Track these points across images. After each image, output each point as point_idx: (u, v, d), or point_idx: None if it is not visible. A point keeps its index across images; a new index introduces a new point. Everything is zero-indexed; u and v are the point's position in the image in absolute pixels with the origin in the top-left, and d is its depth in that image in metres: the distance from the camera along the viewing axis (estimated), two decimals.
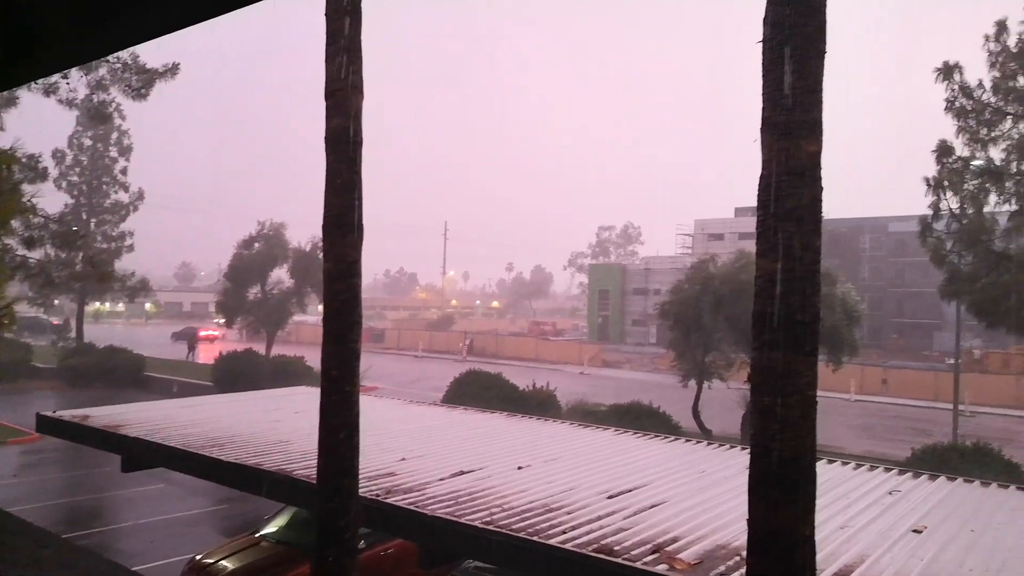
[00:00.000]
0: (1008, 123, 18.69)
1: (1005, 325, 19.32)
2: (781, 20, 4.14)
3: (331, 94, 6.45)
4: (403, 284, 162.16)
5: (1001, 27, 18.65)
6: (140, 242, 44.19)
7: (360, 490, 7.27)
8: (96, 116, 26.42)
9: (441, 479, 9.16)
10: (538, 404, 22.22)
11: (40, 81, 19.29)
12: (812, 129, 4.15)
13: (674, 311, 24.45)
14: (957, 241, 19.17)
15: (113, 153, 44.03)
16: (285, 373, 30.21)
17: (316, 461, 6.56)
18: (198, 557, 11.30)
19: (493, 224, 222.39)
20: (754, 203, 4.32)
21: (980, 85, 18.80)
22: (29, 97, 19.86)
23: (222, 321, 37.10)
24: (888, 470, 10.61)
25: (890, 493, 9.16)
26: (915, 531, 7.60)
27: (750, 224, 4.44)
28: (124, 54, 22.26)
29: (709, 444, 12.39)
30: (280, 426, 12.64)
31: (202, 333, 61.29)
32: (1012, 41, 18.65)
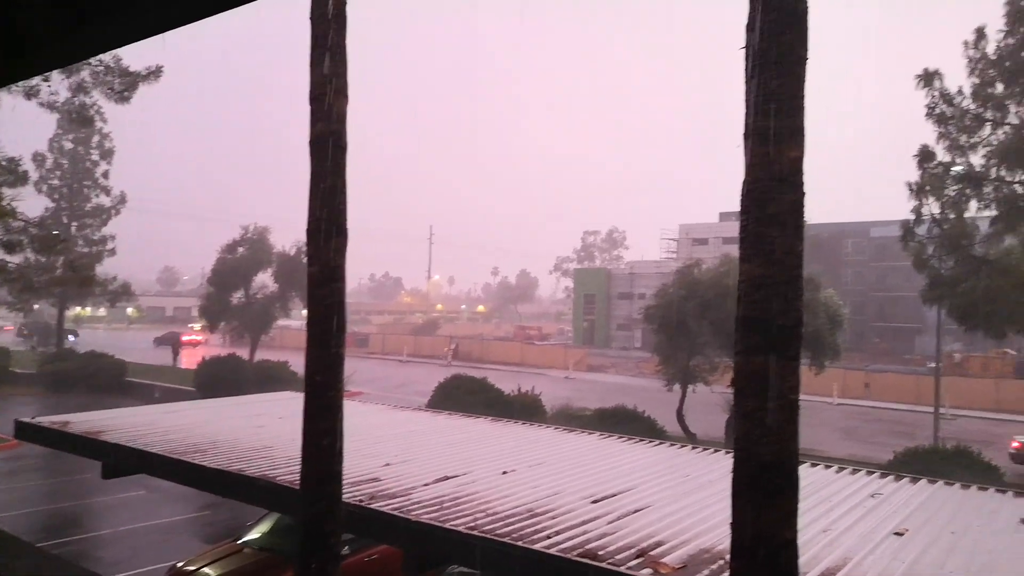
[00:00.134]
0: (987, 129, 18.95)
1: (984, 329, 19.58)
2: (763, 27, 4.18)
3: (315, 98, 6.43)
4: (388, 289, 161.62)
5: (980, 34, 18.93)
6: (122, 246, 43.83)
7: (344, 495, 7.23)
8: (78, 119, 26.19)
9: (426, 484, 9.13)
10: (523, 409, 22.21)
11: (20, 84, 19.09)
12: (794, 135, 4.18)
13: (659, 315, 24.56)
14: (938, 246, 19.40)
15: (95, 156, 43.63)
16: (269, 378, 30.00)
17: (300, 467, 6.52)
18: (179, 564, 11.18)
19: (479, 229, 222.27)
20: (739, 208, 4.36)
21: (960, 92, 19.05)
22: (10, 100, 19.64)
23: (196, 328, 36.94)
24: (870, 473, 10.69)
25: (872, 496, 9.23)
26: (897, 534, 7.66)
27: (734, 229, 4.44)
28: (106, 57, 22.11)
29: (693, 448, 12.43)
30: (264, 432, 12.55)
31: (184, 338, 60.73)
32: (991, 48, 18.93)
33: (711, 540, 7.12)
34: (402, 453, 11.03)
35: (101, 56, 22.54)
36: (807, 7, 4.20)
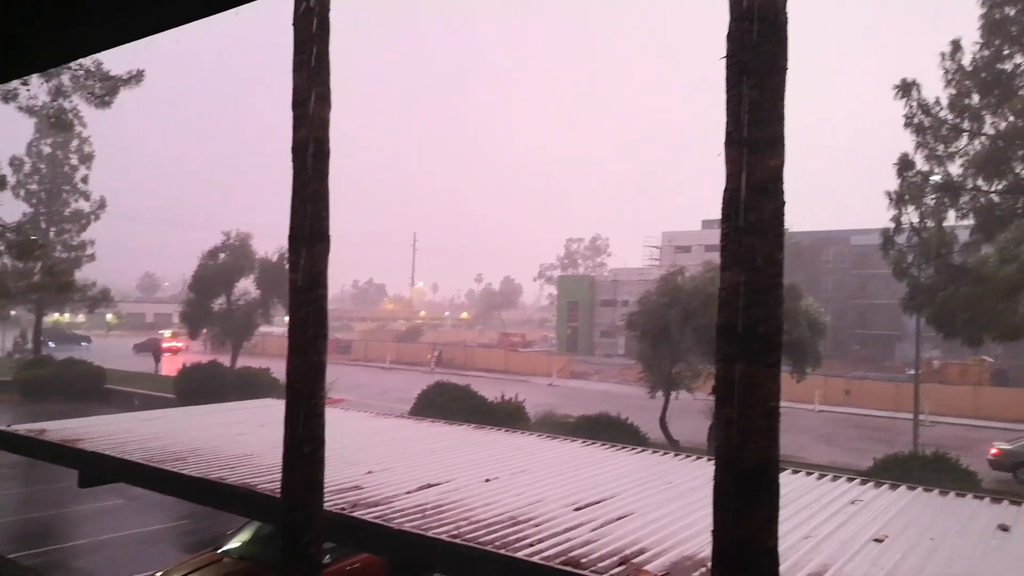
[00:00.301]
0: (964, 139, 19.22)
1: (963, 336, 19.82)
2: (743, 37, 4.22)
3: (298, 104, 6.40)
4: (371, 295, 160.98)
5: (955, 46, 19.22)
6: (102, 252, 43.34)
7: (326, 504, 7.18)
8: (57, 124, 25.92)
9: (408, 492, 9.08)
10: (507, 416, 22.19)
11: None
12: (774, 144, 4.22)
13: (641, 322, 24.65)
14: (918, 255, 19.63)
15: (74, 161, 43.17)
16: (250, 385, 29.77)
17: (281, 475, 6.46)
18: (158, 574, 11.05)
19: (462, 235, 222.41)
20: (720, 216, 4.39)
21: (937, 102, 19.32)
22: None
23: (167, 334, 36.48)
24: (851, 480, 10.76)
25: (852, 503, 9.29)
26: (876, 540, 7.72)
27: (717, 236, 4.47)
28: (87, 61, 21.91)
29: (676, 455, 12.47)
30: (245, 439, 12.44)
31: (165, 344, 60.12)
32: (966, 60, 19.22)
33: (694, 547, 7.13)
34: (384, 461, 10.97)
35: (82, 60, 22.35)
36: (787, 18, 4.24)
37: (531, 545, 7.11)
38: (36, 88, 22.49)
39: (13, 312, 41.44)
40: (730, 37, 4.29)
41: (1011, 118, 18.29)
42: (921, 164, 19.43)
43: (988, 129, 18.84)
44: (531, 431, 16.98)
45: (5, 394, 35.85)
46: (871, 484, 10.47)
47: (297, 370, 6.40)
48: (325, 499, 6.73)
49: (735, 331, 4.17)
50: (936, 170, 19.35)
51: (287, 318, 6.75)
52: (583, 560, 6.74)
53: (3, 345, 55.52)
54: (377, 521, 7.88)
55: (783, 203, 4.25)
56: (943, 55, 19.29)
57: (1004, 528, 8.33)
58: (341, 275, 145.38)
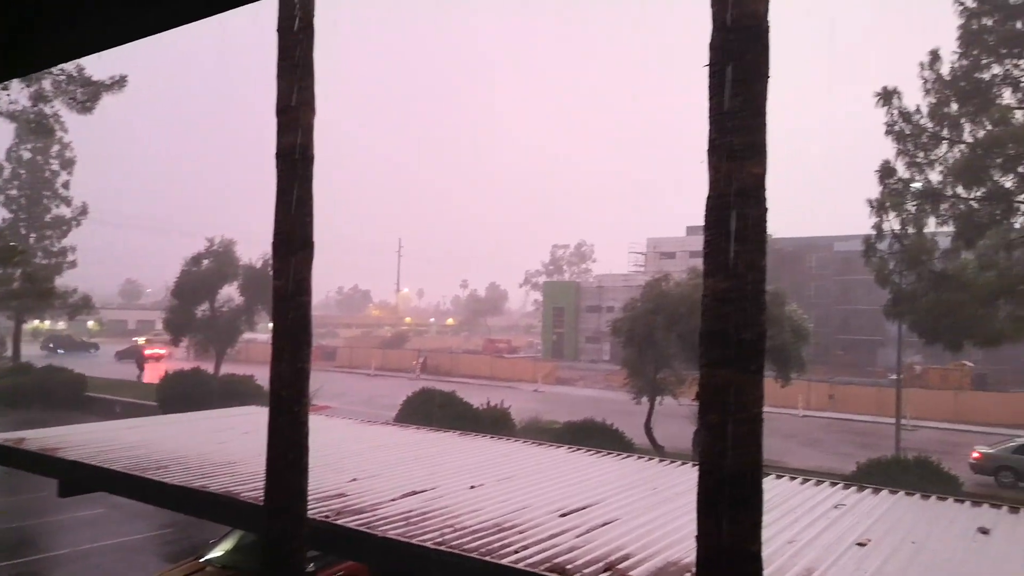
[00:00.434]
0: (944, 147, 19.46)
1: (944, 342, 20.03)
2: (726, 45, 4.26)
3: (283, 111, 6.39)
4: (356, 301, 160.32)
5: (934, 56, 19.49)
6: (83, 258, 42.94)
7: (309, 511, 7.14)
8: (38, 129, 25.71)
9: (392, 499, 9.05)
10: (492, 422, 22.14)
11: None
12: (756, 151, 4.26)
13: (627, 328, 24.72)
14: (900, 261, 19.84)
15: (55, 166, 42.77)
16: (234, 392, 29.52)
17: (264, 483, 6.42)
18: None
19: (448, 241, 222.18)
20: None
21: (918, 110, 19.56)
22: None
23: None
24: (834, 484, 10.84)
25: (836, 507, 9.35)
26: (859, 544, 7.77)
27: (701, 243, 4.52)
28: (68, 66, 21.76)
29: (661, 461, 12.50)
30: (228, 447, 12.35)
31: (147, 352, 59.54)
32: (945, 70, 19.49)
33: (678, 553, 7.15)
34: (369, 468, 10.92)
35: (63, 65, 22.18)
36: (768, 26, 4.29)
37: (516, 552, 7.10)
38: (16, 93, 22.30)
39: None
40: (713, 46, 4.33)
41: (989, 127, 18.53)
42: (902, 171, 19.66)
43: (967, 137, 19.09)
44: (516, 437, 16.97)
45: None
46: (854, 488, 10.55)
47: (281, 377, 6.38)
48: (309, 507, 6.69)
49: (718, 337, 4.20)
50: (917, 177, 19.58)
51: (271, 325, 6.72)
52: (568, 566, 6.74)
53: None
54: (361, 529, 7.84)
55: (765, 210, 4.29)
56: (922, 65, 19.55)
57: (984, 531, 8.42)
58: (326, 281, 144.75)
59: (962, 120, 19.22)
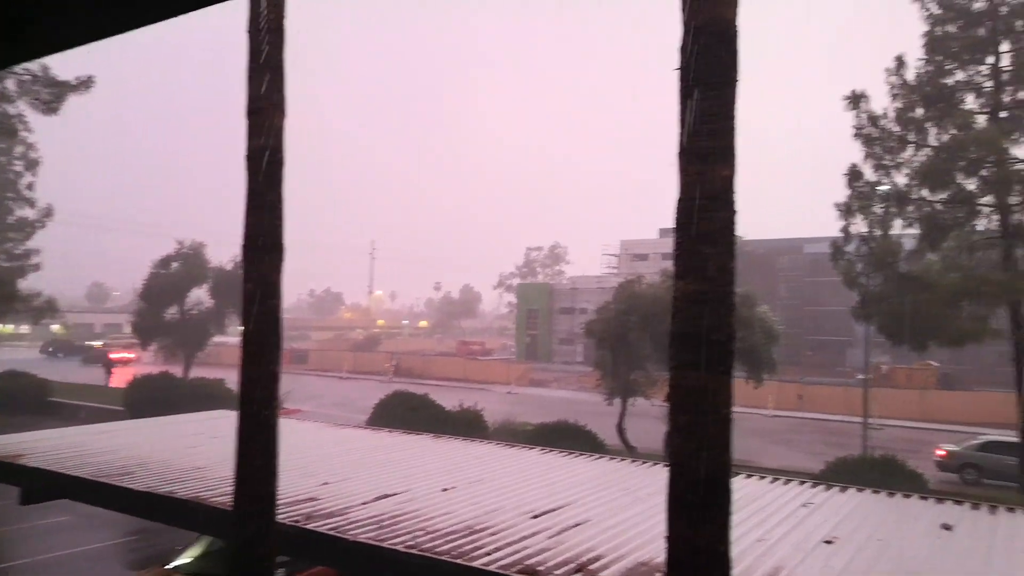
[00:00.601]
0: (910, 151, 19.84)
1: (910, 342, 20.40)
2: (695, 49, 4.30)
3: (252, 112, 6.32)
4: (329, 304, 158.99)
5: (900, 62, 19.86)
6: (48, 261, 41.96)
7: (279, 516, 7.05)
8: (1, 131, 25.17)
9: (364, 503, 8.99)
10: (465, 424, 22.09)
11: None
12: (725, 155, 4.30)
13: (599, 330, 24.83)
14: (867, 264, 20.17)
15: (18, 167, 41.82)
16: (204, 396, 29.10)
17: (233, 487, 6.34)
18: None
19: (421, 243, 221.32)
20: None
21: (884, 114, 19.91)
22: None
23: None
24: (802, 483, 10.98)
25: (804, 506, 9.47)
26: (826, 542, 7.88)
27: (673, 245, 4.56)
28: (33, 66, 21.35)
29: (633, 461, 12.56)
30: (196, 452, 12.18)
31: (112, 355, 58.47)
32: (911, 75, 19.88)
33: (649, 554, 7.19)
34: (341, 471, 10.84)
35: (27, 64, 21.74)
36: (737, 30, 4.33)
37: (488, 554, 7.09)
38: None
39: None
40: (683, 49, 4.36)
41: (953, 131, 18.92)
42: (870, 174, 20.00)
43: (932, 141, 19.48)
44: (489, 440, 16.96)
45: None
46: (822, 487, 10.70)
47: (250, 380, 6.31)
48: (279, 511, 6.62)
49: (688, 339, 4.23)
50: (884, 180, 19.93)
51: (242, 327, 6.64)
52: (540, 568, 6.75)
53: None
54: (332, 533, 7.78)
55: (735, 213, 4.33)
56: (888, 70, 19.91)
57: (947, 527, 8.58)
58: (298, 283, 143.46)
59: (927, 124, 19.62)
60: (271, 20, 6.07)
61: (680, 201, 4.30)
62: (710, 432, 4.14)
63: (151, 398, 29.27)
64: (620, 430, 24.60)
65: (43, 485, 10.95)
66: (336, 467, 11.18)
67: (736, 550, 5.77)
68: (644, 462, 12.38)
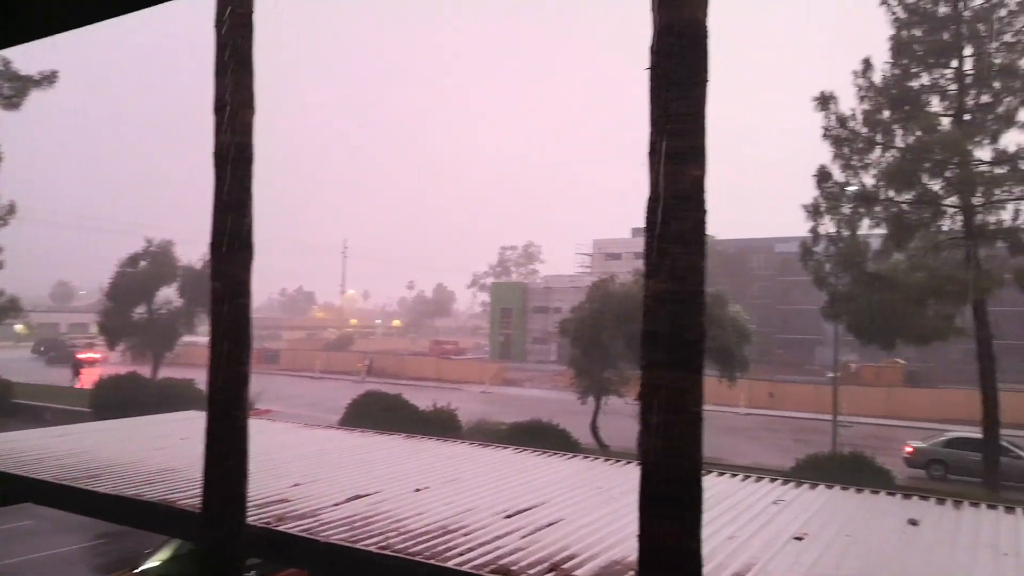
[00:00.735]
0: (877, 152, 20.16)
1: (877, 341, 20.74)
2: (666, 50, 4.31)
3: (220, 109, 6.23)
4: (301, 303, 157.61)
5: (867, 64, 20.18)
6: (11, 259, 41.09)
7: (250, 518, 6.97)
8: None
9: (336, 504, 8.92)
10: (439, 424, 22.02)
11: None
12: (696, 154, 4.32)
13: (573, 328, 24.91)
14: (835, 264, 20.46)
15: None
16: (173, 397, 28.67)
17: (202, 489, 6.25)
18: None
19: (395, 243, 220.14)
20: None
21: (853, 116, 20.21)
22: None
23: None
24: (773, 480, 11.10)
25: (775, 503, 9.58)
26: (797, 538, 7.97)
27: None
28: None
29: (607, 460, 12.62)
30: (165, 453, 12.00)
31: (80, 356, 57.42)
32: (878, 77, 20.20)
33: (622, 552, 7.22)
34: (312, 473, 10.75)
35: None
36: (707, 31, 4.35)
37: (461, 554, 7.07)
38: None
39: None
40: (653, 50, 4.38)
41: (918, 133, 19.26)
42: (838, 175, 20.28)
43: (898, 142, 19.81)
44: (463, 440, 16.92)
45: None
46: (792, 484, 10.82)
47: (219, 381, 6.22)
48: (249, 513, 6.54)
49: (659, 338, 4.24)
50: (852, 181, 20.23)
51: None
52: (513, 568, 6.75)
53: None
54: (303, 535, 7.71)
55: (705, 212, 4.36)
56: (855, 73, 20.22)
57: (913, 523, 8.73)
58: (269, 282, 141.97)
59: (894, 126, 19.95)
60: (239, 14, 5.99)
61: (650, 201, 4.32)
62: (681, 431, 4.16)
63: (118, 399, 28.79)
64: (594, 429, 24.70)
65: (4, 489, 10.71)
66: (308, 468, 11.08)
67: (708, 547, 5.81)
68: (617, 461, 12.44)
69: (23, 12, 2.83)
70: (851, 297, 20.23)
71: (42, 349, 71.11)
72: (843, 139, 20.14)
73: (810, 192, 20.39)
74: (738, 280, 63.85)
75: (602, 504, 9.16)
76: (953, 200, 19.21)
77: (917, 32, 20.22)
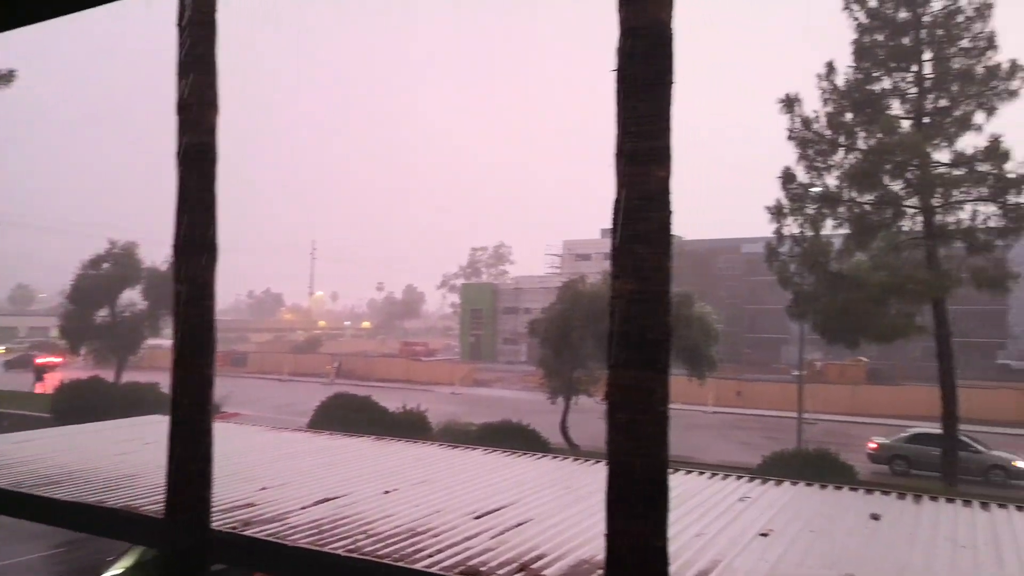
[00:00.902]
0: (840, 153, 20.51)
1: (841, 339, 21.10)
2: (632, 51, 4.34)
3: (183, 109, 6.15)
4: (268, 305, 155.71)
5: (830, 68, 20.54)
6: None
7: (216, 523, 6.87)
8: None
9: (304, 507, 8.83)
10: (409, 426, 21.92)
11: None
12: (661, 155, 4.36)
13: (542, 329, 24.97)
14: (800, 264, 20.77)
15: None
16: (137, 401, 28.12)
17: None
18: None
19: (363, 244, 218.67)
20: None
21: (817, 118, 20.55)
22: None
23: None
24: (740, 478, 11.24)
25: (741, 500, 9.70)
26: (762, 535, 8.08)
27: None
28: None
29: (576, 460, 12.66)
30: (128, 459, 11.78)
31: (40, 360, 56.07)
32: (841, 81, 20.57)
33: (590, 551, 7.25)
34: (280, 476, 10.63)
35: None
36: (672, 32, 4.39)
37: (430, 556, 7.05)
38: None
39: None
40: (619, 51, 4.41)
41: (879, 135, 19.64)
42: (803, 176, 20.60)
43: (860, 144, 20.18)
44: (433, 441, 16.87)
45: None
46: (758, 481, 10.97)
47: (183, 384, 6.14)
48: (215, 518, 6.45)
49: (626, 338, 4.27)
50: (816, 182, 20.56)
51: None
52: (482, 569, 6.74)
53: None
54: (270, 539, 7.62)
55: (670, 213, 4.40)
56: (819, 75, 20.57)
57: (875, 517, 8.90)
58: (236, 284, 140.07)
59: (856, 128, 20.32)
60: (201, 13, 5.91)
61: (617, 202, 4.34)
62: (648, 430, 4.19)
63: (80, 404, 28.17)
64: (563, 428, 24.78)
65: None
66: (275, 472, 10.96)
67: (675, 545, 5.86)
68: (587, 460, 12.49)
69: None
70: (815, 296, 20.55)
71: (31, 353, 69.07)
72: (807, 141, 20.46)
73: (777, 193, 20.71)
74: (706, 280, 64.47)
75: (571, 504, 9.20)
76: (913, 201, 19.62)
77: (878, 37, 20.63)
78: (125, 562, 11.12)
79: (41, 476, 10.40)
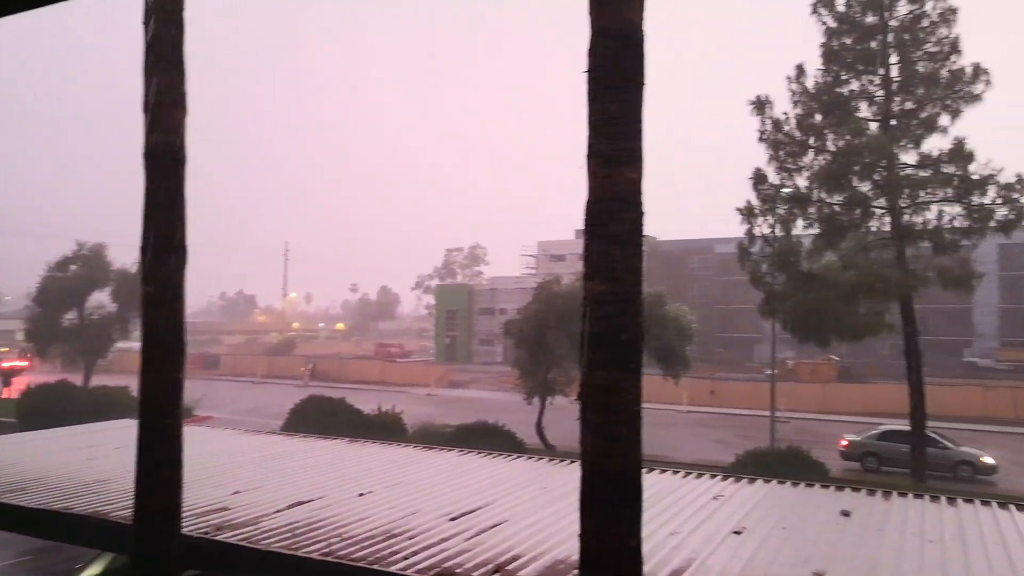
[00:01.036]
0: (810, 155, 20.80)
1: (812, 338, 21.38)
2: (603, 53, 4.36)
3: (150, 108, 6.06)
4: (241, 307, 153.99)
5: (800, 71, 20.83)
6: None
7: (187, 528, 6.80)
8: None
9: (277, 511, 8.74)
10: (384, 428, 21.83)
11: None
12: (633, 157, 4.38)
13: (518, 330, 24.99)
14: (771, 263, 21.02)
15: None
16: (106, 405, 27.65)
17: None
18: None
19: (337, 245, 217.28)
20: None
21: (787, 120, 20.82)
22: None
23: None
24: (713, 476, 11.32)
25: (715, 498, 9.78)
26: (736, 532, 8.16)
27: None
28: None
29: (551, 460, 12.68)
30: (96, 464, 11.58)
31: (5, 364, 54.88)
32: (810, 83, 20.86)
33: (566, 551, 7.27)
34: (253, 480, 10.52)
35: None
36: (643, 34, 4.42)
37: (405, 559, 7.02)
38: None
39: None
40: (591, 53, 4.43)
41: (848, 137, 19.94)
42: (773, 177, 20.86)
43: (830, 146, 20.47)
44: (408, 443, 16.79)
45: None
46: (732, 479, 11.06)
47: (152, 388, 6.06)
48: (187, 523, 6.38)
49: (599, 338, 4.29)
50: (787, 183, 20.82)
51: None
52: (457, 571, 6.73)
53: None
54: (243, 543, 7.54)
55: (642, 214, 4.43)
56: (789, 78, 20.84)
57: (846, 513, 9.03)
58: (208, 286, 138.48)
59: (825, 130, 20.61)
60: (168, 11, 5.83)
61: (589, 203, 4.36)
62: (621, 430, 4.22)
63: (47, 408, 27.65)
64: (539, 429, 24.82)
65: None
66: (248, 475, 10.84)
67: (649, 545, 5.90)
68: (562, 460, 12.51)
69: None
70: (786, 296, 20.80)
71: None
72: (778, 142, 20.72)
73: (748, 194, 20.94)
74: (679, 280, 65.03)
75: (546, 504, 9.21)
76: (881, 202, 19.95)
77: (847, 40, 20.95)
78: (93, 570, 10.92)
79: (6, 483, 10.18)
